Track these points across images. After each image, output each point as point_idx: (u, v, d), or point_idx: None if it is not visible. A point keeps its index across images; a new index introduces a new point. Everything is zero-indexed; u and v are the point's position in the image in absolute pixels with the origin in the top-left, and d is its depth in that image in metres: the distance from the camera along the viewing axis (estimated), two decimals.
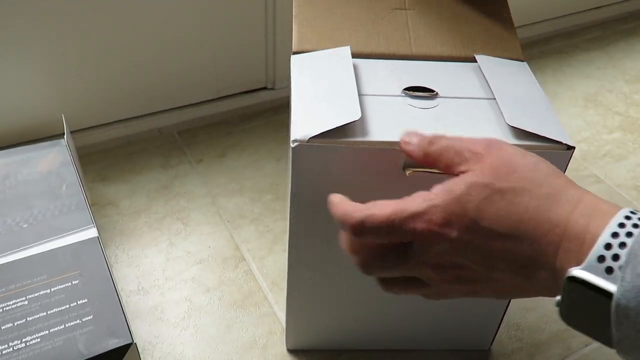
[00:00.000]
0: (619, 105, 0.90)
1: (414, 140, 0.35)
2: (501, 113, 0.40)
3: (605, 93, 0.92)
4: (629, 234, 0.27)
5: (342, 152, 0.38)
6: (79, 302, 0.45)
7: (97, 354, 0.42)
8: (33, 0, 0.63)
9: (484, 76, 0.44)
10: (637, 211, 0.28)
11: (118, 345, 0.43)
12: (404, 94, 0.42)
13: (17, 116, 0.70)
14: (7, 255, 0.48)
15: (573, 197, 0.30)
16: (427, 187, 0.33)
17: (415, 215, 0.31)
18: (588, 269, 0.27)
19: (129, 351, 0.43)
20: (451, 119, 0.41)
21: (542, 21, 1.02)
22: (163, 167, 0.74)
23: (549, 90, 0.92)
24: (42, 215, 0.52)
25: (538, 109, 0.41)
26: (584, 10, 1.05)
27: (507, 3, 0.50)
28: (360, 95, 0.41)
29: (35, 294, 0.45)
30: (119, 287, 0.58)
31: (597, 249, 0.27)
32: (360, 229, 0.32)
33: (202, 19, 0.73)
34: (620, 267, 0.26)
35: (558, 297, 0.29)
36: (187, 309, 0.58)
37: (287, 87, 0.77)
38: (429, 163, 0.34)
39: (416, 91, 0.42)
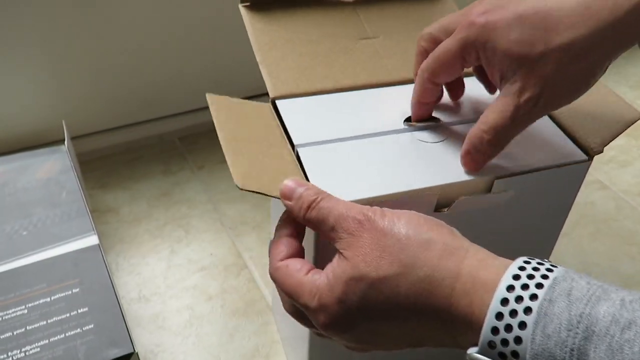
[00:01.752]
0: None
1: (296, 193, 0.33)
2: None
3: None
4: (518, 299, 0.25)
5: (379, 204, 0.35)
6: (79, 311, 0.44)
7: None
8: (33, 6, 0.62)
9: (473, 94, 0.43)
10: (524, 268, 0.26)
11: (119, 355, 0.42)
12: (407, 127, 0.40)
13: (17, 122, 0.69)
14: (6, 263, 0.47)
15: (451, 272, 0.28)
16: (463, 223, 0.32)
17: (307, 309, 0.31)
18: (484, 352, 0.26)
19: None
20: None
21: None
22: (164, 174, 0.74)
23: None
24: (42, 223, 0.51)
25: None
26: None
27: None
28: (363, 136, 0.39)
29: (35, 303, 0.44)
30: (119, 295, 0.57)
31: (485, 335, 0.26)
32: (273, 277, 0.33)
33: (203, 25, 0.73)
34: (512, 353, 0.25)
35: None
36: (189, 317, 0.57)
37: None
38: (310, 227, 0.33)
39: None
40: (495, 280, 0.26)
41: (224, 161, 0.80)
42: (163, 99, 0.76)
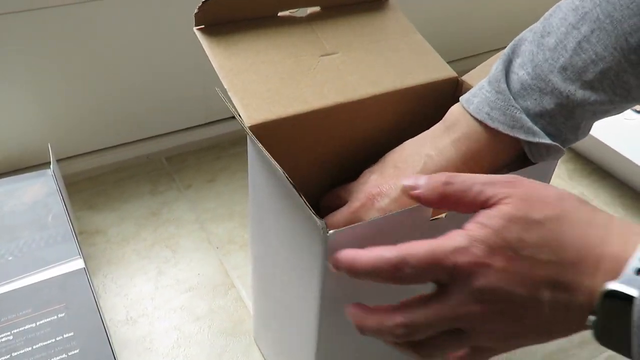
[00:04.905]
0: None
1: (421, 182, 0.34)
2: None
3: None
4: None
5: (375, 224, 0.35)
6: (65, 336, 0.44)
7: None
8: (18, 28, 0.63)
9: None
10: None
11: None
12: None
13: (2, 145, 0.69)
14: None
15: (604, 221, 0.31)
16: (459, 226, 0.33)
17: (457, 250, 0.31)
18: (624, 282, 0.28)
19: None
20: None
21: None
22: (151, 194, 0.74)
23: None
24: (28, 247, 0.51)
25: None
26: None
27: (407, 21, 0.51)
28: None
29: (21, 329, 0.45)
30: (106, 317, 0.57)
31: (635, 262, 0.28)
32: (401, 268, 0.32)
33: (191, 45, 0.73)
34: None
35: (592, 317, 0.30)
36: (177, 338, 0.58)
37: None
38: (446, 206, 0.34)
39: None
40: None
41: (211, 180, 0.81)
42: (150, 119, 0.77)
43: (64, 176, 0.69)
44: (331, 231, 0.33)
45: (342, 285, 0.37)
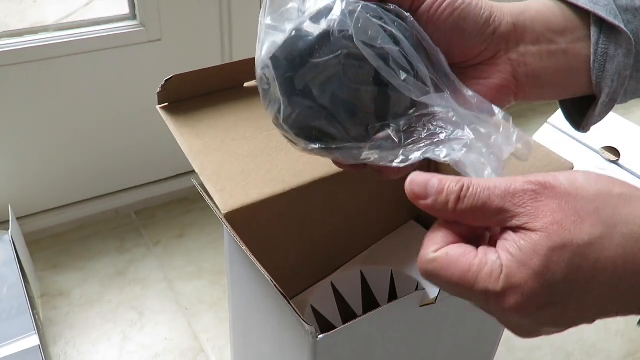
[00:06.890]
0: None
1: (432, 192, 0.28)
2: None
3: None
4: None
5: (367, 319, 0.34)
6: None
7: None
8: None
9: None
10: None
11: None
12: None
13: None
14: None
15: None
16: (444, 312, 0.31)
17: (488, 295, 0.26)
18: None
19: None
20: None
21: None
22: (118, 251, 0.72)
23: None
24: None
25: None
26: None
27: None
28: None
29: None
30: None
31: None
32: (428, 274, 0.27)
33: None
34: None
35: None
36: None
37: None
38: (461, 220, 0.29)
39: None
40: None
41: (180, 235, 0.78)
42: (118, 172, 0.75)
43: (26, 234, 0.67)
44: (320, 336, 0.32)
45: None
